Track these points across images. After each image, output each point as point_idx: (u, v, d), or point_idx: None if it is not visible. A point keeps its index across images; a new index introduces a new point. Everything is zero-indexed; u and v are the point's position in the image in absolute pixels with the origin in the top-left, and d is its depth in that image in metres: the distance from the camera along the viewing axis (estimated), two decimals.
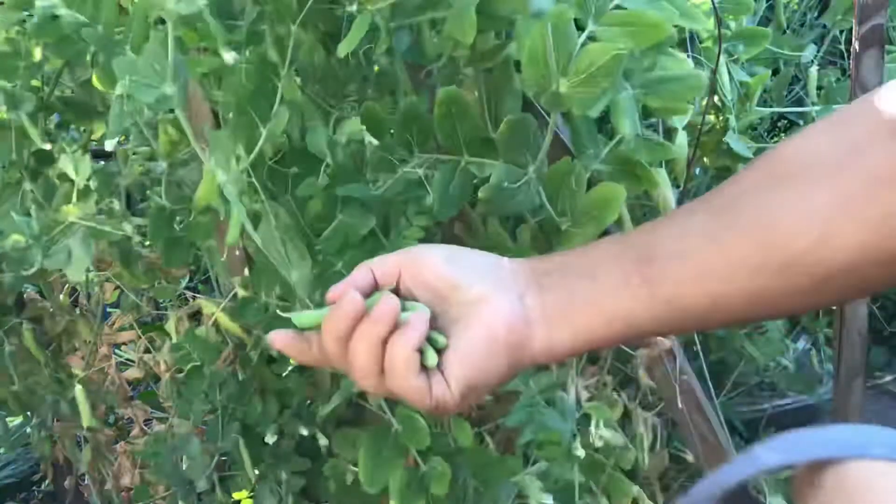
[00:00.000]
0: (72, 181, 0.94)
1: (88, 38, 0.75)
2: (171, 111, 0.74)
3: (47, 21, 0.84)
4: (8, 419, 1.63)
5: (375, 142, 0.75)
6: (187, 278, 1.37)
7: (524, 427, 0.95)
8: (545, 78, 0.66)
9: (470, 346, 0.59)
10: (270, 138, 0.73)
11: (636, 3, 0.73)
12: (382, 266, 0.63)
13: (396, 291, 0.62)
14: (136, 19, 0.74)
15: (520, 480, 0.95)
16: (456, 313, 0.61)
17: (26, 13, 0.99)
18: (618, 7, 0.72)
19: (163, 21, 0.69)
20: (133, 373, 1.41)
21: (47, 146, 1.03)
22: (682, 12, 0.80)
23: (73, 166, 0.89)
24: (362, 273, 0.63)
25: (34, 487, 1.87)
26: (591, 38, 0.70)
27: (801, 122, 1.61)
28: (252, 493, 1.25)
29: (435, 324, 0.61)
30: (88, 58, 0.93)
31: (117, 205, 0.92)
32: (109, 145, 0.80)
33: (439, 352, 0.60)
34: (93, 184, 0.92)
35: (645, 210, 1.25)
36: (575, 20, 0.69)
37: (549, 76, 0.66)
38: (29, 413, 1.49)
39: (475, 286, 0.60)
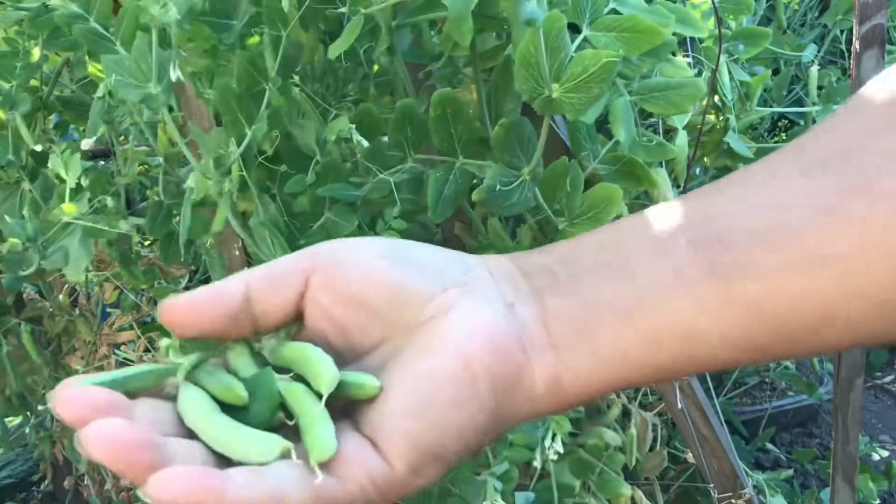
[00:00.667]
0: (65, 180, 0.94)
1: (78, 34, 0.75)
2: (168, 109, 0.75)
3: (41, 12, 0.84)
4: (7, 419, 1.63)
5: (365, 142, 0.75)
6: (187, 278, 1.36)
7: None
8: (537, 83, 0.66)
9: (425, 385, 0.37)
10: (256, 139, 0.73)
11: (633, 8, 0.73)
12: (274, 275, 0.40)
13: (300, 316, 0.41)
14: (125, 17, 0.74)
15: (483, 480, 0.94)
16: (402, 341, 0.39)
17: (24, 12, 0.99)
18: (614, 12, 0.72)
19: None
20: None
21: (39, 147, 1.03)
22: (681, 18, 0.79)
23: (64, 166, 0.89)
24: (210, 296, 0.39)
25: (33, 488, 1.87)
26: (586, 43, 0.70)
27: (802, 122, 1.60)
28: None
29: (364, 365, 0.39)
30: (84, 51, 0.93)
31: (111, 202, 0.92)
32: (86, 144, 0.80)
33: (363, 403, 0.38)
34: (84, 182, 0.92)
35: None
36: (571, 24, 0.69)
37: (542, 81, 0.65)
38: (28, 413, 1.49)
39: (435, 295, 0.39)
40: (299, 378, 0.39)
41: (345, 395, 0.38)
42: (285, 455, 0.36)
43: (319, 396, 0.37)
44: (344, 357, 0.40)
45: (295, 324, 0.41)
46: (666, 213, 0.39)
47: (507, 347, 0.38)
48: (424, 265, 0.40)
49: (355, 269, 0.40)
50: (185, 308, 0.39)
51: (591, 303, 0.38)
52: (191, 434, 0.37)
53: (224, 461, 0.36)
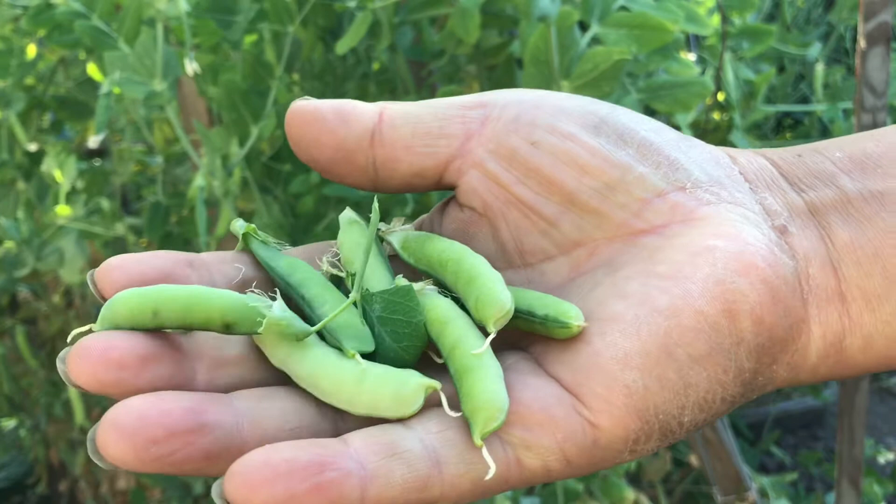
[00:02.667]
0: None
1: (80, 31, 0.74)
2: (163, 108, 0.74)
3: (42, 9, 0.83)
4: (1, 422, 1.61)
5: None
6: None
7: None
8: (547, 79, 0.65)
9: (663, 327, 0.26)
10: (261, 137, 0.72)
11: (642, 5, 0.72)
12: (421, 116, 0.29)
13: (438, 184, 0.30)
14: (128, 14, 0.73)
15: None
16: (607, 250, 0.28)
17: (21, 10, 0.97)
18: (623, 9, 0.71)
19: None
20: None
21: (33, 147, 1.02)
22: (687, 15, 0.79)
23: (59, 167, 0.87)
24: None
25: (28, 491, 1.86)
26: (595, 40, 0.69)
27: (806, 121, 1.59)
28: None
29: (544, 276, 0.28)
30: (84, 49, 0.92)
31: (107, 205, 0.90)
32: (94, 142, 0.79)
33: (553, 340, 0.25)
34: (80, 184, 0.90)
35: None
36: (579, 21, 0.68)
37: (552, 78, 0.64)
38: (23, 415, 1.48)
39: (665, 193, 0.28)
40: (440, 288, 0.27)
41: (526, 327, 0.26)
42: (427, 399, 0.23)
43: (479, 327, 0.25)
44: (511, 259, 0.29)
45: (434, 189, 0.30)
46: None
47: (786, 294, 0.27)
48: (649, 147, 0.29)
49: (551, 141, 0.28)
50: (308, 114, 0.30)
51: None
52: (276, 377, 0.26)
53: (330, 414, 0.24)
